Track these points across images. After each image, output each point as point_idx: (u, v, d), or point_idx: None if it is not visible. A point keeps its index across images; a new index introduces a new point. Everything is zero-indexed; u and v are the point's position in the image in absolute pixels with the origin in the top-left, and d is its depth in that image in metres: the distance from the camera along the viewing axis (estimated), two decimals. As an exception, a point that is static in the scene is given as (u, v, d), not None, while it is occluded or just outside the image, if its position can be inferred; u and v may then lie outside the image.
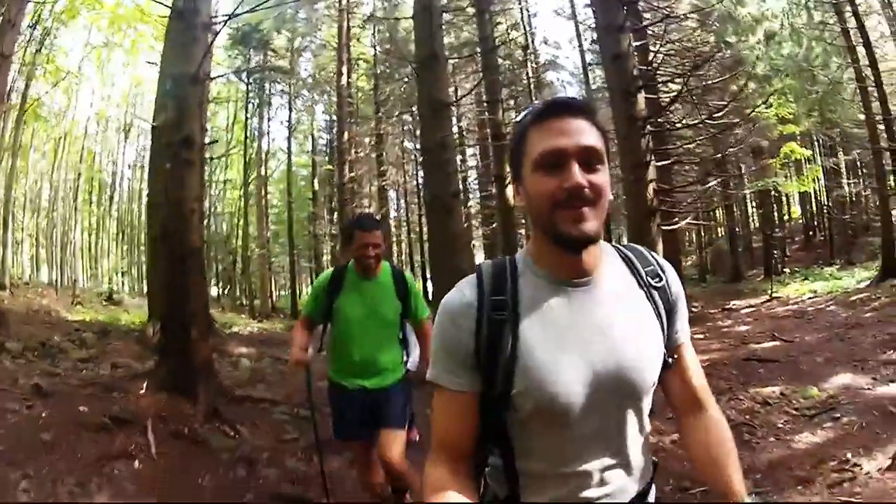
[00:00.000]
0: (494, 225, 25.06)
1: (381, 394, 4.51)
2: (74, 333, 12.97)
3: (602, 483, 1.63)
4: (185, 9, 8.11)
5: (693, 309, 20.20)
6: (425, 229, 27.33)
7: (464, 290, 1.64)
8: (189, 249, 7.63)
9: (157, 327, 12.87)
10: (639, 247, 1.80)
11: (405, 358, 4.77)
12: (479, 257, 38.91)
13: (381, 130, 31.34)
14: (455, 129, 28.53)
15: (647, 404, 1.69)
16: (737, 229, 32.67)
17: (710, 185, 17.21)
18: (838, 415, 6.55)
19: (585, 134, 1.54)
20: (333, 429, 4.64)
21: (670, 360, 1.71)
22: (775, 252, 26.90)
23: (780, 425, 6.62)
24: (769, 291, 21.63)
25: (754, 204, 33.40)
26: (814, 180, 23.50)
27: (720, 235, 35.93)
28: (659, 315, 1.70)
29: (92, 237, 36.07)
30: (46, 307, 16.92)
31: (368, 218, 4.66)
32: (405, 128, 34.21)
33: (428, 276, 31.81)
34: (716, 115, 14.82)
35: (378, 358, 4.53)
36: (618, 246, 1.77)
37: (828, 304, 16.79)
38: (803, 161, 22.07)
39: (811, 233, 33.56)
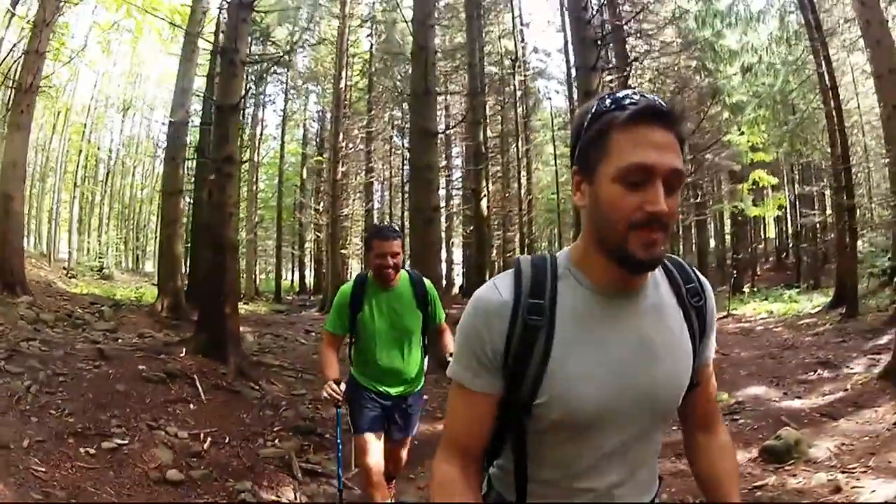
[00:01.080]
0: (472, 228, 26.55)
1: (406, 401, 4.82)
2: (92, 307, 14.62)
3: (610, 499, 1.61)
4: (227, 48, 10.02)
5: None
6: (406, 223, 29.08)
7: (499, 289, 1.55)
8: (228, 243, 9.66)
9: (165, 303, 15.32)
10: (680, 260, 1.74)
11: (426, 364, 5.00)
12: (458, 253, 40.61)
13: (371, 128, 32.57)
14: (442, 121, 30.30)
15: (667, 423, 1.71)
16: (710, 246, 34.75)
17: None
18: (738, 417, 7.89)
19: (674, 153, 1.43)
20: (353, 424, 4.71)
21: (696, 381, 1.70)
22: (734, 272, 28.41)
23: (684, 419, 8.38)
24: (727, 308, 22.68)
25: (730, 223, 34.87)
26: (779, 208, 24.55)
27: (692, 251, 37.60)
28: (693, 335, 1.65)
29: (84, 211, 37.46)
30: (45, 279, 18.27)
31: (387, 228, 4.72)
32: (394, 123, 35.44)
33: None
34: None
35: (403, 368, 4.74)
36: None
37: (777, 325, 17.88)
38: (771, 188, 23.53)
39: (784, 254, 34.98)
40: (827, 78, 18.61)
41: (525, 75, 30.23)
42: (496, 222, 33.20)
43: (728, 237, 37.58)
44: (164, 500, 4.96)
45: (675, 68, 24.14)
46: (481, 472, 1.68)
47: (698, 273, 1.73)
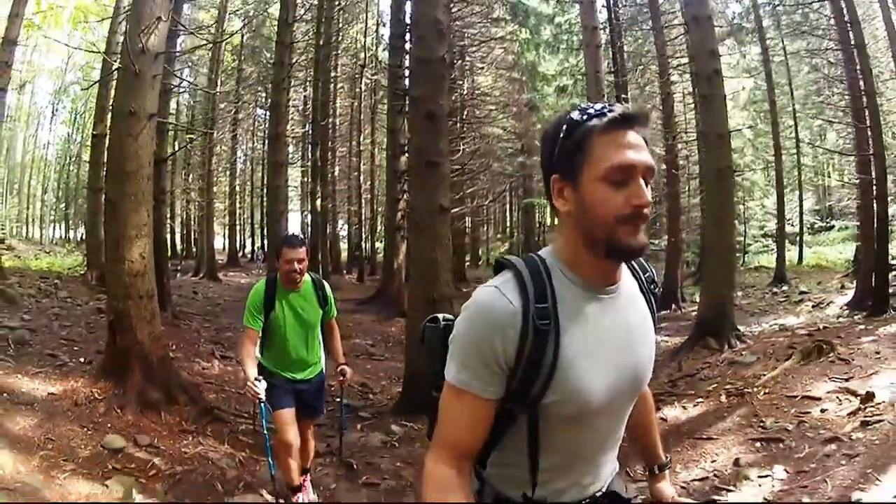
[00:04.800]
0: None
1: (312, 385, 5.95)
2: (44, 280, 18.70)
3: (598, 474, 2.01)
4: (153, 114, 16.46)
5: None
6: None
7: (507, 296, 1.75)
8: (159, 235, 16.47)
9: (94, 274, 19.95)
10: None
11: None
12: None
13: (239, 105, 38.16)
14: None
15: None
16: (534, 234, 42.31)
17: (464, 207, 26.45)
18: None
19: (647, 151, 1.74)
20: (271, 404, 5.67)
21: None
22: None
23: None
24: None
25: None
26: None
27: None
28: (654, 318, 2.04)
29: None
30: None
31: (294, 238, 5.60)
32: (258, 102, 41.03)
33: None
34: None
35: (306, 355, 5.83)
36: None
37: None
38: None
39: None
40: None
41: (374, 73, 35.50)
42: (345, 199, 39.66)
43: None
44: (178, 362, 10.88)
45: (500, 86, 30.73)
46: (471, 472, 1.90)
47: (649, 264, 2.15)
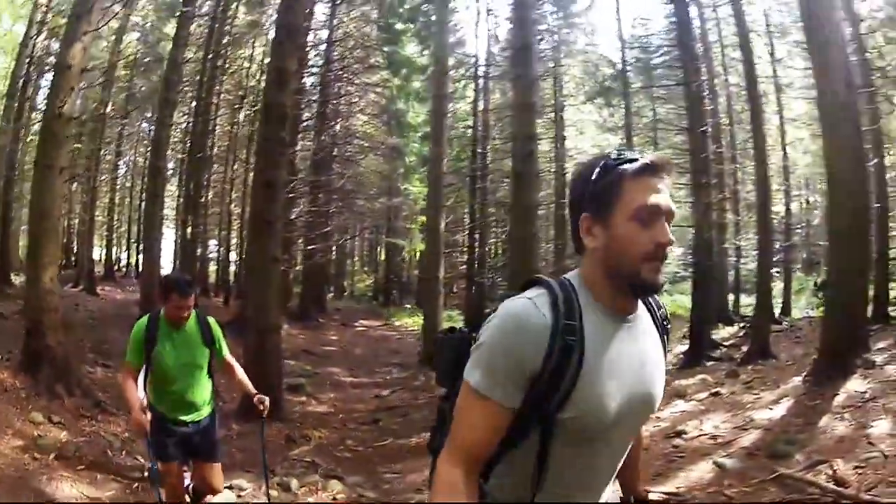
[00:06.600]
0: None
1: (199, 427, 5.77)
2: None
3: (598, 493, 2.08)
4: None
5: (335, 319, 31.04)
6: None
7: (542, 310, 1.85)
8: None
9: None
10: None
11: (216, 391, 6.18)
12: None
13: (126, 123, 39.36)
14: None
15: None
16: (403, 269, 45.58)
17: (335, 242, 28.84)
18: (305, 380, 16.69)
19: (670, 196, 1.88)
20: (154, 452, 5.60)
21: None
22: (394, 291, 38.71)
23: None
24: (387, 318, 31.02)
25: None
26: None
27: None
28: (664, 351, 2.16)
29: None
30: None
31: (185, 283, 5.55)
32: (145, 117, 41.47)
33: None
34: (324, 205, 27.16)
35: (193, 396, 5.67)
36: None
37: (402, 331, 27.50)
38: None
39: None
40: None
41: (254, 105, 34.73)
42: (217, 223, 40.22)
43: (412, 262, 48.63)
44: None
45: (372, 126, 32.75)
46: (478, 479, 1.95)
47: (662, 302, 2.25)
